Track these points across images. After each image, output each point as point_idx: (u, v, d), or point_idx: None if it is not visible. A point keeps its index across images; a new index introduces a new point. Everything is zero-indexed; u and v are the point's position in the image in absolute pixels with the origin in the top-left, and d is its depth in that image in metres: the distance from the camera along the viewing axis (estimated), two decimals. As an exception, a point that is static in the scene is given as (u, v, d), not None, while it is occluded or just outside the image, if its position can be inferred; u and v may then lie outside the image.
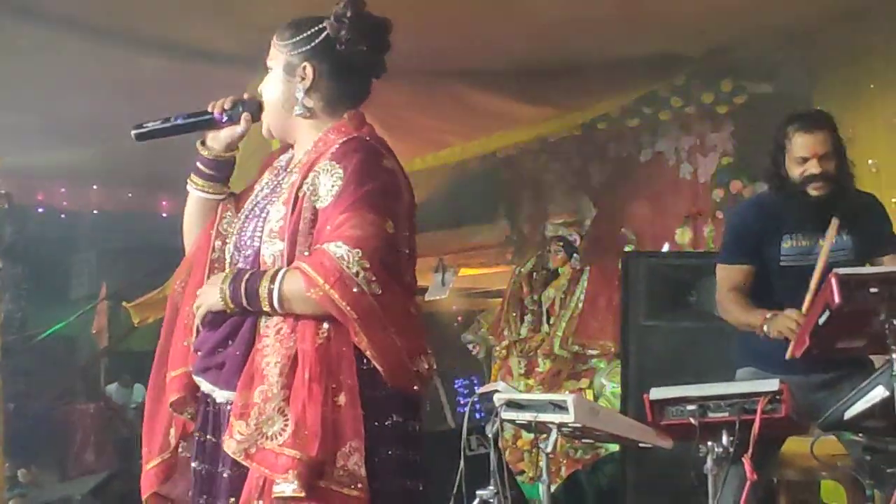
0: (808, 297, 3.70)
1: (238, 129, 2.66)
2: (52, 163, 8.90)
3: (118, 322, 9.65)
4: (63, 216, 10.02)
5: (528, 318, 7.79)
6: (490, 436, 4.12)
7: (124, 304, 8.59)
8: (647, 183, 7.68)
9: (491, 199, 8.64)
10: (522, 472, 6.52)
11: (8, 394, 7.41)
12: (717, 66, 6.92)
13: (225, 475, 2.44)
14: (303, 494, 2.27)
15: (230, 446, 2.36)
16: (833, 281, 3.25)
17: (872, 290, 3.22)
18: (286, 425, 2.32)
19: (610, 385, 6.92)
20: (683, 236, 7.17)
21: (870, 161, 6.19)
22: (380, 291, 2.34)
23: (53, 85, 6.67)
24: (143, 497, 2.64)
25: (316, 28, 2.54)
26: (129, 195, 10.08)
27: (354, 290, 2.32)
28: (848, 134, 6.26)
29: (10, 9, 5.58)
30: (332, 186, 2.42)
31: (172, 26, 5.98)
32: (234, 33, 5.64)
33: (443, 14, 5.89)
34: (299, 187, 2.47)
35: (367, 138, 2.52)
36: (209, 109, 2.67)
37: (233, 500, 2.41)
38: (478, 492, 4.16)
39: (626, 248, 7.45)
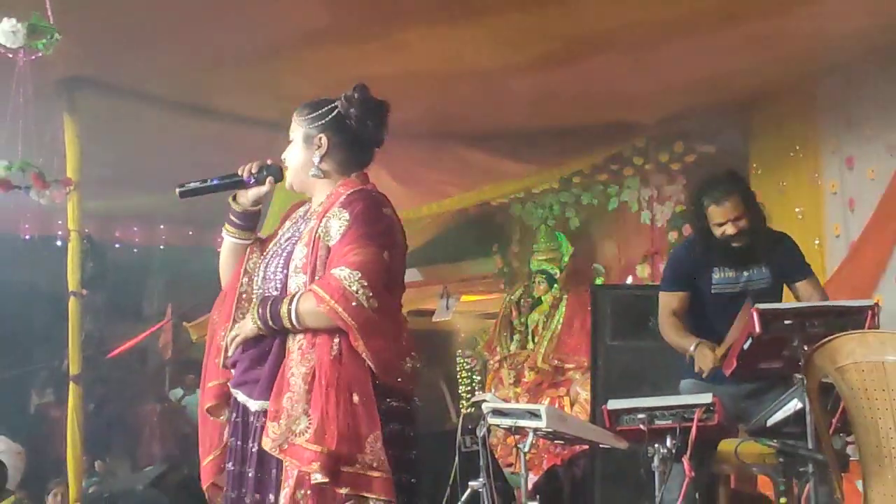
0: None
1: (263, 189, 2.69)
2: (126, 206, 8.94)
3: (180, 338, 9.69)
4: (135, 250, 10.03)
5: (516, 337, 7.81)
6: (480, 437, 4.17)
7: (185, 323, 8.65)
8: (614, 227, 7.69)
9: (486, 239, 8.63)
10: (511, 465, 6.54)
11: (88, 398, 7.47)
12: (670, 131, 6.96)
13: (250, 474, 2.47)
14: (327, 481, 2.31)
15: (266, 444, 2.40)
16: (755, 314, 3.32)
17: (787, 321, 3.30)
18: (310, 424, 2.35)
19: (584, 393, 6.92)
20: (643, 271, 7.20)
21: (797, 209, 6.25)
22: (376, 305, 2.39)
23: (128, 143, 6.77)
24: (204, 487, 2.68)
25: (330, 107, 2.61)
26: (190, 232, 10.07)
27: (354, 303, 2.37)
28: (779, 186, 6.40)
29: (99, 87, 5.68)
30: (340, 228, 2.48)
31: (221, 98, 6.07)
32: (268, 103, 5.70)
33: (447, 89, 5.97)
34: (316, 231, 2.52)
35: (369, 190, 2.59)
36: (239, 173, 2.69)
37: (257, 495, 2.44)
38: (470, 483, 4.21)
39: (597, 281, 7.45)
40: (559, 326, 7.43)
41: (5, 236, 8.31)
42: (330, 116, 2.61)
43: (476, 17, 4.94)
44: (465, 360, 8.98)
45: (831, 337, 2.69)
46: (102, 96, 5.74)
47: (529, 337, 7.68)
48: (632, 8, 4.86)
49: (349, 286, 2.37)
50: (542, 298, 7.66)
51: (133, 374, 10.38)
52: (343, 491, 2.33)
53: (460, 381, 9.44)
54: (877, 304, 3.38)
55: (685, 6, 4.86)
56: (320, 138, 2.61)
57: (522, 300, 7.86)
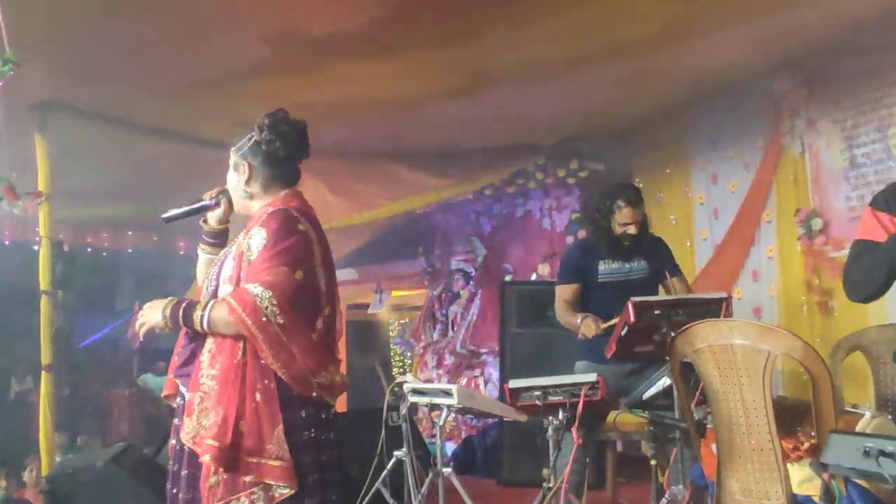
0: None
1: (219, 210, 2.68)
2: (97, 215, 8.74)
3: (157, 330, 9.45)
4: (105, 254, 9.81)
5: (438, 326, 7.83)
6: (403, 413, 4.15)
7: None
8: (520, 232, 7.70)
9: (412, 242, 8.59)
10: (434, 436, 6.52)
11: (63, 383, 7.28)
12: (566, 150, 7.02)
13: (186, 450, 2.41)
14: (223, 469, 2.27)
15: (183, 437, 2.36)
16: (630, 306, 3.36)
17: (656, 311, 3.35)
18: (215, 421, 2.30)
19: (496, 374, 6.95)
20: (544, 269, 7.23)
21: (671, 217, 6.37)
22: (282, 321, 2.30)
23: (98, 161, 6.60)
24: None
25: (248, 136, 2.54)
26: (155, 238, 9.88)
27: (263, 318, 2.29)
28: (657, 198, 6.49)
29: (69, 111, 5.50)
30: (258, 245, 2.39)
31: (179, 121, 5.93)
32: (221, 126, 5.52)
33: (376, 114, 5.94)
34: (240, 246, 2.45)
35: (288, 209, 2.46)
36: (204, 198, 2.68)
37: (192, 469, 2.38)
38: (395, 452, 4.19)
39: (506, 278, 7.50)
40: (474, 317, 7.45)
41: (-13, 242, 8.06)
42: (248, 145, 2.54)
43: (398, 54, 4.93)
44: (397, 346, 8.95)
45: (690, 324, 2.72)
46: (72, 119, 5.55)
47: (449, 326, 7.69)
48: (530, 46, 4.88)
49: (260, 303, 2.29)
50: (460, 293, 7.68)
51: (104, 362, 10.14)
52: (247, 479, 2.28)
53: (393, 364, 9.40)
54: (730, 297, 3.44)
55: (575, 45, 4.90)
56: (243, 165, 2.55)
57: (443, 295, 7.87)
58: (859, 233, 2.53)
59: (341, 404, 7.61)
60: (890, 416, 2.99)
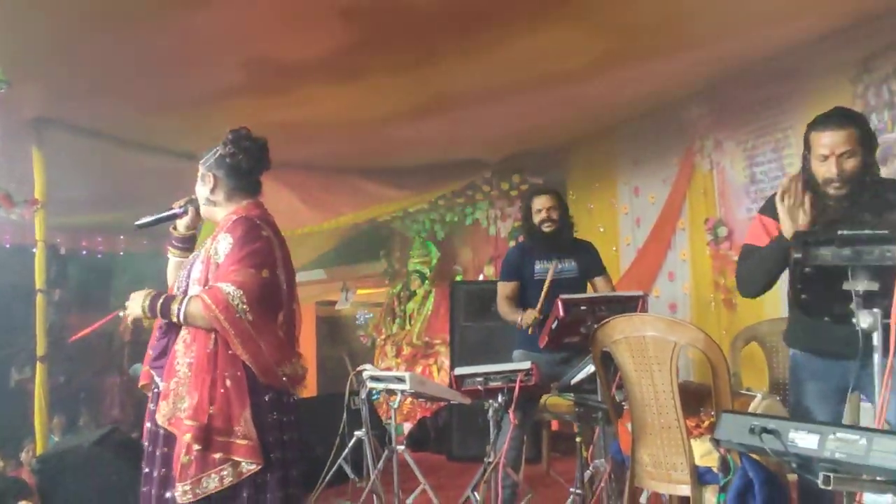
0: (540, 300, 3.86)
1: (187, 218, 2.64)
2: (91, 221, 8.56)
3: (138, 323, 9.28)
4: (100, 256, 9.59)
5: (397, 321, 7.81)
6: (363, 397, 4.14)
7: (140, 313, 8.26)
8: (469, 238, 7.73)
9: (374, 247, 8.57)
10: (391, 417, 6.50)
11: (59, 372, 7.12)
12: (510, 166, 7.06)
13: (161, 433, 2.38)
14: (200, 447, 2.24)
15: (159, 418, 2.33)
16: (559, 302, 3.37)
17: (582, 307, 3.34)
18: (190, 404, 2.28)
19: (447, 362, 6.96)
20: (489, 271, 7.28)
21: (600, 225, 6.43)
22: (251, 318, 2.28)
23: (91, 172, 6.46)
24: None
25: (214, 151, 2.52)
26: (145, 242, 9.69)
27: (235, 315, 2.27)
28: (588, 209, 6.55)
29: (64, 126, 5.37)
30: (226, 249, 2.36)
31: (163, 137, 5.84)
32: (201, 142, 5.46)
33: (342, 133, 5.91)
34: (208, 250, 2.43)
35: (251, 217, 2.44)
36: (173, 206, 2.64)
37: (165, 449, 2.36)
38: (355, 432, 4.17)
39: (456, 278, 7.52)
40: (429, 312, 7.46)
41: (-11, 246, 7.85)
42: (213, 158, 2.51)
43: (363, 78, 4.91)
44: (360, 338, 8.91)
45: (609, 318, 2.75)
46: (66, 134, 5.43)
47: (407, 320, 7.68)
48: (480, 73, 4.90)
49: (232, 300, 2.27)
50: (417, 291, 7.68)
51: (98, 353, 9.92)
52: (217, 455, 2.25)
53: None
54: (646, 295, 3.46)
55: (519, 74, 4.92)
56: (209, 176, 2.52)
57: (402, 293, 7.86)
58: (747, 237, 2.57)
59: (312, 390, 7.55)
60: (779, 398, 3.06)
